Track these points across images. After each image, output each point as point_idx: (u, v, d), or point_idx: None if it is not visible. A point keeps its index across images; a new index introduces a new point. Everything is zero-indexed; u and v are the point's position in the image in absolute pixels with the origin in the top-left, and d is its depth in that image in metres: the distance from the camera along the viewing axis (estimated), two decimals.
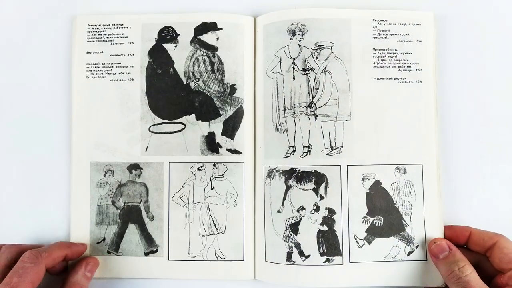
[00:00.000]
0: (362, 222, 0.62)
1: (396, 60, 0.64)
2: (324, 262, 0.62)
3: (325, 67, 0.64)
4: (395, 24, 0.65)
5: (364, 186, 0.63)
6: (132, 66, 0.66)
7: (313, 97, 0.63)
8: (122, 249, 0.64)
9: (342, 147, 0.63)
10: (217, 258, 0.63)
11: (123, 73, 0.65)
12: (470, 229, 0.61)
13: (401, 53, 0.64)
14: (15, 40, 0.67)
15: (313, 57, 0.64)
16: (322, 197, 0.62)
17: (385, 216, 0.63)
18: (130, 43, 0.66)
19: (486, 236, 0.59)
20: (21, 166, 0.65)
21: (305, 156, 0.63)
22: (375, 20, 0.64)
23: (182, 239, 0.64)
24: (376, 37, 0.64)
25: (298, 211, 0.62)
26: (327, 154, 0.63)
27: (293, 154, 0.63)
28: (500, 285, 0.56)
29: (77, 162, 0.64)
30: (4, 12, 0.67)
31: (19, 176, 0.65)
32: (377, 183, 0.63)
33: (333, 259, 0.62)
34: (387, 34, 0.64)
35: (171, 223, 0.64)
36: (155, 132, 0.65)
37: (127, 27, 0.66)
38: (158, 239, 0.64)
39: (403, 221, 0.63)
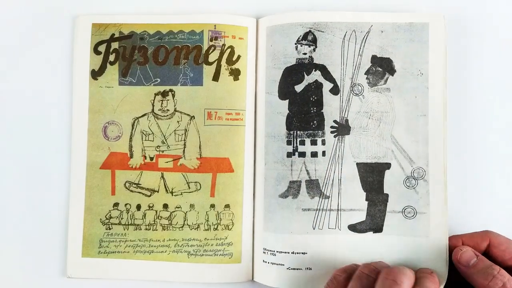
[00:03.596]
0: None
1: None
2: None
3: None
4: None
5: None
6: None
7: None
8: None
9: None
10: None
11: None
12: (460, 237, 0.57)
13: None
14: (17, 39, 0.67)
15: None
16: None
17: None
18: None
19: (477, 238, 0.56)
20: (21, 166, 0.66)
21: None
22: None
23: None
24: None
25: None
26: None
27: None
28: None
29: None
30: (4, 12, 0.68)
31: (19, 176, 0.66)
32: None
33: None
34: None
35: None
36: None
37: None
38: None
39: None
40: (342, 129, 0.62)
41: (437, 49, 0.61)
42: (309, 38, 0.62)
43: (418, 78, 0.61)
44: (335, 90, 0.62)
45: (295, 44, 0.63)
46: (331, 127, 0.62)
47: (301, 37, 0.62)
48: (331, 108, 0.62)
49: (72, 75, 0.66)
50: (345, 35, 0.62)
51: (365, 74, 0.62)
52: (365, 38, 0.62)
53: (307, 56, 0.62)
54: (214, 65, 0.64)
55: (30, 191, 0.66)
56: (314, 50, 0.62)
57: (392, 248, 0.60)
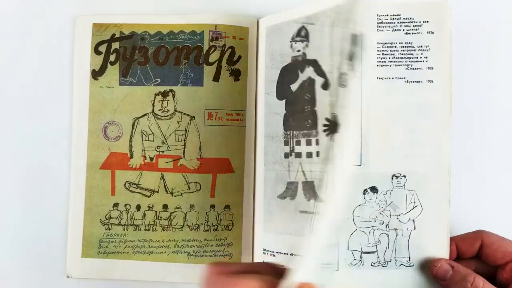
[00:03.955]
0: None
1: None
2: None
3: None
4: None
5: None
6: None
7: None
8: None
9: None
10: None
11: None
12: (453, 239, 0.56)
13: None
14: (17, 39, 0.67)
15: None
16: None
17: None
18: None
19: (470, 239, 0.55)
20: (21, 166, 0.66)
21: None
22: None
23: None
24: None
25: None
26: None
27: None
28: (506, 282, 0.53)
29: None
30: (4, 12, 0.68)
31: (19, 176, 0.66)
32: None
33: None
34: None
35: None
36: None
37: None
38: None
39: None
40: (332, 126, 0.57)
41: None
42: (302, 34, 0.60)
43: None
44: (325, 85, 0.58)
45: (290, 42, 0.61)
46: (324, 125, 0.59)
47: (295, 34, 0.61)
48: (323, 104, 0.59)
49: (73, 75, 0.65)
50: (334, 21, 0.58)
51: (347, 59, 0.56)
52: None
53: (300, 53, 0.61)
54: (215, 66, 0.64)
55: (30, 191, 0.66)
56: (307, 45, 0.60)
57: None
